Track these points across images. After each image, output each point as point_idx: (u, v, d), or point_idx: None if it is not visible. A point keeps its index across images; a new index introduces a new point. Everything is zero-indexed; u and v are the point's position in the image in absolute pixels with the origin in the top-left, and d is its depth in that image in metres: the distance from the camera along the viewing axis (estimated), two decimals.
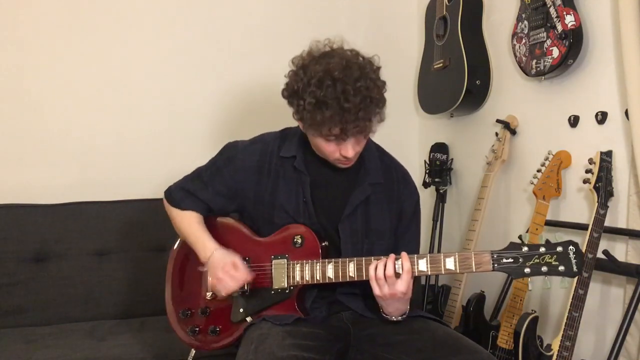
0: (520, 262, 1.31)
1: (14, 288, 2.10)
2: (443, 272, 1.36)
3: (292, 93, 1.39)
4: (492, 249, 1.34)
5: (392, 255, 1.37)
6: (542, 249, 1.31)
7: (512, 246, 1.33)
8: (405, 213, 1.59)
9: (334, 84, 1.30)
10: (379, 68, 1.41)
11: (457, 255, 1.35)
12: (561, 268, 1.29)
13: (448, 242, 2.61)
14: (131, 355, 1.80)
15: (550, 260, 1.30)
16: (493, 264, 1.32)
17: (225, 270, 1.48)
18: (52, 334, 1.97)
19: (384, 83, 1.40)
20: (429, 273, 1.39)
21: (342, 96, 1.30)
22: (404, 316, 1.46)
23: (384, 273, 1.35)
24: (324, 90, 1.31)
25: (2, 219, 2.13)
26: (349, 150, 1.40)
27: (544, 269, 1.30)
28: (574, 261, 1.29)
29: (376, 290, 1.37)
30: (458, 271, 1.35)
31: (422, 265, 1.37)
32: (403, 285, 1.35)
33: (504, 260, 1.32)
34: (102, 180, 2.40)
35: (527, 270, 1.31)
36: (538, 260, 1.31)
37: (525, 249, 1.32)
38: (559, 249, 1.30)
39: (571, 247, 1.30)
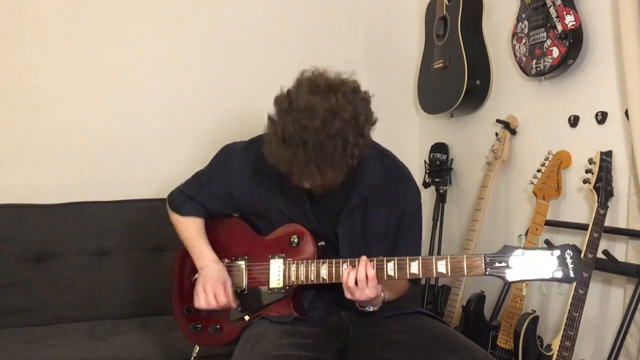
0: None
1: (14, 288, 2.10)
2: (435, 275, 1.33)
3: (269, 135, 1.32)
4: (490, 251, 1.29)
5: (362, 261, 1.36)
6: None
7: (506, 250, 1.27)
8: (406, 213, 1.55)
9: (303, 148, 1.24)
10: (370, 123, 1.33)
11: (449, 259, 1.31)
12: (557, 274, 1.24)
13: (448, 242, 2.61)
14: (131, 355, 1.81)
15: None
16: (485, 268, 1.28)
17: (215, 287, 1.48)
18: (52, 334, 1.97)
19: (363, 142, 1.31)
20: (421, 276, 1.35)
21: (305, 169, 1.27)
22: (380, 306, 1.45)
23: (355, 279, 1.34)
24: (292, 148, 1.26)
25: (2, 219, 2.13)
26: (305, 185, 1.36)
27: None
28: (571, 266, 1.22)
29: (347, 295, 1.37)
30: (450, 275, 1.32)
31: (414, 267, 1.34)
32: (371, 291, 1.34)
33: (497, 265, 1.27)
34: (102, 180, 2.40)
35: None
36: None
37: None
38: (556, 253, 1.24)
39: (568, 251, 1.23)
